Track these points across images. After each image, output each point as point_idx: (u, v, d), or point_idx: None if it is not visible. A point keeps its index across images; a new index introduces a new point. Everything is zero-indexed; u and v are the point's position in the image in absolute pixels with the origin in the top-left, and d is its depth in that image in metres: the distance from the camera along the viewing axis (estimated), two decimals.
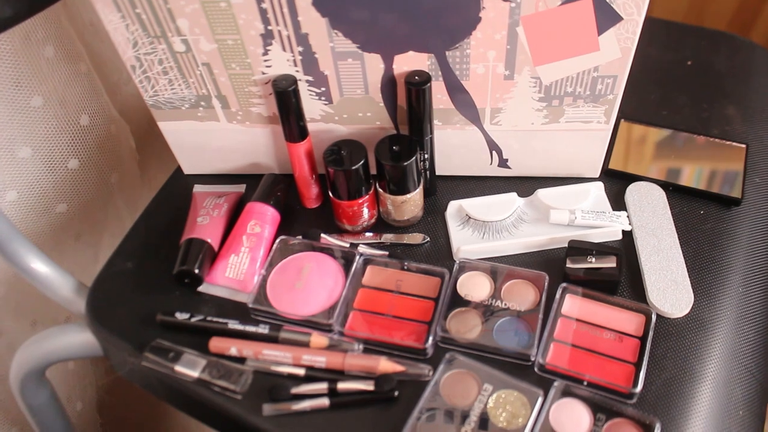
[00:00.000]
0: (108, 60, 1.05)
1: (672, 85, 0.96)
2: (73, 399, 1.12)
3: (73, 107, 0.94)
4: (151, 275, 0.81)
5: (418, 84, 0.72)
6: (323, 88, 0.76)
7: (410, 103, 0.74)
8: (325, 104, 0.78)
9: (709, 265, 0.78)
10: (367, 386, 0.69)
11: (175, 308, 0.76)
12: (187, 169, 0.90)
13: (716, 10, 1.39)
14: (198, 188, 0.88)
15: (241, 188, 0.88)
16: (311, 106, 0.78)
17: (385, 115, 0.79)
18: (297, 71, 0.74)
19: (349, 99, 0.77)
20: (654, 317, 0.72)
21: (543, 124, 0.78)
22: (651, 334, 0.71)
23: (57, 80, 0.91)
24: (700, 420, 0.67)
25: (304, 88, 0.76)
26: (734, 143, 0.87)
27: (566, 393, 0.68)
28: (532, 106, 0.76)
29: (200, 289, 0.79)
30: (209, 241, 0.80)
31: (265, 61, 0.74)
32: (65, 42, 0.91)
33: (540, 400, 0.67)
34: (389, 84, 0.75)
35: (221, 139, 0.84)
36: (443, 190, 0.86)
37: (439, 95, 0.76)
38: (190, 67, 0.75)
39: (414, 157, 0.76)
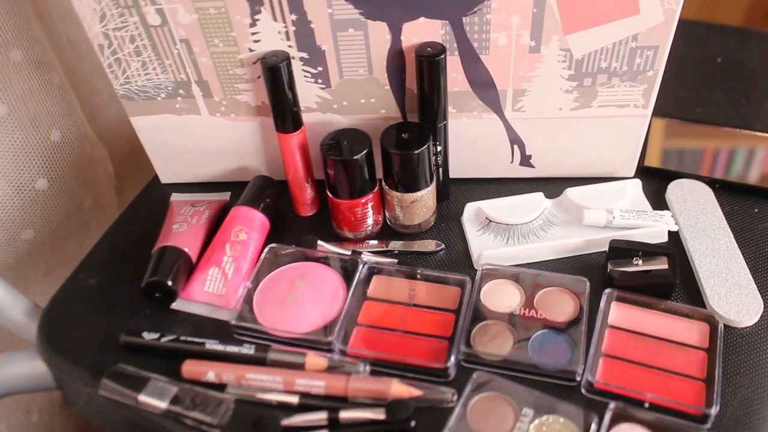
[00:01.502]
0: (87, 79, 0.94)
1: (703, 82, 0.85)
2: (30, 408, 0.95)
3: (42, 120, 0.81)
4: (117, 293, 0.67)
5: (431, 56, 0.61)
6: (320, 68, 0.64)
7: (421, 81, 0.62)
8: (323, 88, 0.66)
9: None
10: (377, 415, 0.54)
11: (144, 329, 0.62)
12: (165, 177, 0.77)
13: (729, 4, 1.31)
14: (176, 197, 0.75)
15: (226, 196, 0.75)
16: (306, 91, 0.66)
17: (391, 101, 0.67)
18: (290, 46, 0.63)
19: (349, 81, 0.65)
20: (721, 325, 0.59)
21: (573, 110, 0.66)
22: (720, 344, 0.57)
23: (24, 89, 0.79)
24: None
25: (298, 69, 0.64)
26: None
27: (625, 417, 0.53)
28: (560, 87, 0.65)
29: (174, 306, 0.65)
30: (186, 250, 0.66)
31: (253, 34, 0.62)
32: (35, 48, 0.79)
33: (594, 427, 0.53)
34: (397, 61, 0.63)
35: (203, 137, 0.71)
36: (457, 195, 0.73)
37: (454, 74, 0.64)
38: (166, 44, 0.63)
39: (426, 146, 0.63)
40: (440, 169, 0.69)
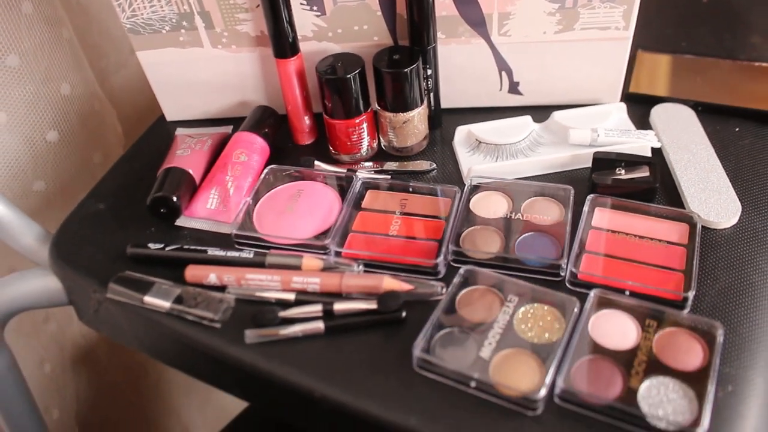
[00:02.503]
0: (96, 44, 0.96)
1: (689, 20, 0.87)
2: (51, 407, 0.97)
3: (53, 74, 0.84)
4: (125, 215, 0.69)
5: None
6: None
7: (410, 3, 0.65)
8: (318, 15, 0.68)
9: (753, 178, 0.66)
10: (369, 305, 0.56)
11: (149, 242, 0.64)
12: (170, 115, 0.80)
13: None
14: (181, 131, 0.77)
15: (228, 129, 0.77)
16: (302, 19, 0.68)
17: (383, 28, 0.69)
18: None
19: (343, 8, 0.67)
20: (699, 222, 0.60)
21: (556, 33, 0.68)
22: (698, 240, 0.59)
23: (35, 41, 0.81)
24: (765, 329, 0.54)
25: None
26: (765, 63, 0.77)
27: (606, 303, 0.55)
28: (543, 9, 0.67)
29: (178, 222, 0.67)
30: (190, 171, 0.68)
31: None
32: (45, 3, 0.83)
33: (576, 311, 0.54)
34: None
35: (206, 71, 0.74)
36: (450, 123, 0.75)
37: None
38: None
39: (415, 65, 0.65)
40: (431, 94, 0.71)
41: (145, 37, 0.71)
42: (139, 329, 0.62)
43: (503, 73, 0.72)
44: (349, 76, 0.65)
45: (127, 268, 0.63)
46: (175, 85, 0.76)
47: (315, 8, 0.68)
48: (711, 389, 0.49)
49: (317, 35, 0.70)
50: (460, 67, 0.72)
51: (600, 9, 0.67)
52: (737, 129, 0.71)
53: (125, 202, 0.70)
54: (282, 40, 0.67)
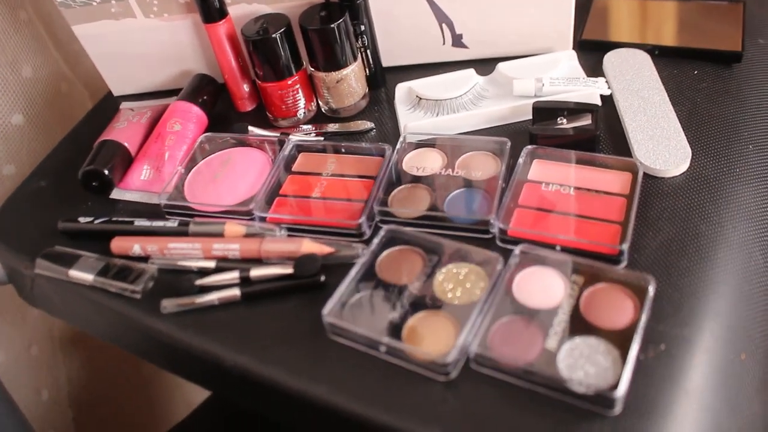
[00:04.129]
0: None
1: None
2: (40, 388, 0.95)
3: (12, 56, 0.81)
4: (64, 192, 0.66)
5: None
6: None
7: None
8: None
9: (708, 121, 0.59)
10: (286, 269, 0.52)
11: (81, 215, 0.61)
12: (116, 90, 0.76)
13: None
14: (126, 105, 0.74)
15: (171, 101, 0.73)
16: None
17: None
18: None
19: None
20: (641, 172, 0.54)
21: None
22: (638, 189, 0.53)
23: None
24: (713, 282, 0.48)
25: None
26: (728, 2, 0.69)
27: (534, 260, 0.49)
28: None
29: (113, 195, 0.64)
30: (125, 144, 0.65)
31: None
32: None
33: (499, 268, 0.49)
34: None
35: (143, 41, 0.70)
36: (393, 82, 0.69)
37: None
38: None
39: (342, 19, 0.60)
40: (368, 52, 0.66)
41: (77, 10, 0.68)
42: (69, 303, 0.59)
43: (444, 25, 0.66)
44: (274, 35, 0.61)
45: (61, 242, 0.60)
46: (116, 58, 0.72)
47: None
48: (635, 349, 0.43)
49: None
50: (399, 22, 0.66)
51: None
52: (696, 72, 0.64)
53: (66, 179, 0.67)
54: (208, 4, 0.63)
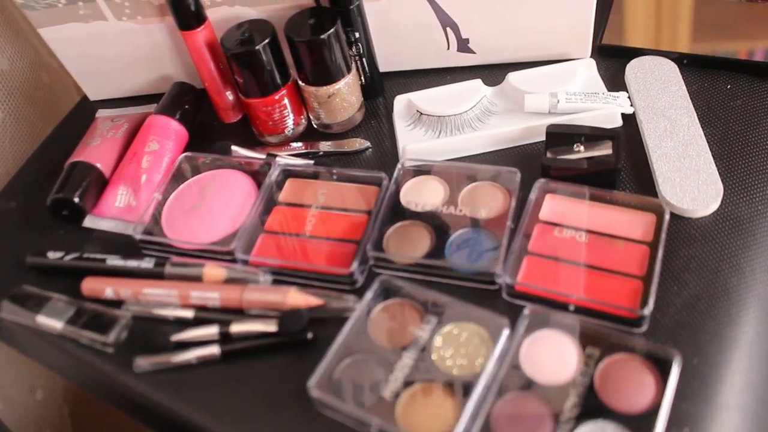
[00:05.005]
0: None
1: None
2: (35, 387, 0.92)
3: None
4: (36, 215, 0.60)
5: None
6: None
7: None
8: None
9: (742, 150, 0.52)
10: (269, 327, 0.47)
11: (56, 248, 0.56)
12: (92, 94, 0.69)
13: None
14: (102, 113, 0.67)
15: (151, 108, 0.66)
16: None
17: None
18: None
19: None
20: (667, 215, 0.47)
21: None
22: (663, 236, 0.46)
23: None
24: (743, 348, 0.42)
25: None
26: None
27: (544, 322, 0.44)
28: None
29: (86, 224, 0.58)
30: (98, 165, 0.59)
31: None
32: None
33: (506, 334, 0.43)
34: None
35: (116, 45, 0.63)
36: (393, 90, 0.62)
37: None
38: None
39: (334, 29, 0.53)
40: (363, 60, 0.58)
41: (42, 12, 0.60)
42: (38, 349, 0.55)
43: (448, 29, 0.59)
44: (258, 47, 0.53)
45: (31, 277, 0.55)
46: (89, 61, 0.65)
47: None
48: None
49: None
50: (399, 25, 0.59)
51: None
52: (729, 86, 0.56)
53: (37, 200, 0.61)
54: (182, 9, 0.55)
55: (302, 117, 0.60)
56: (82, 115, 0.69)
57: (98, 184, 0.58)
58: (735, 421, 0.40)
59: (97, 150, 0.60)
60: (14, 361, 0.84)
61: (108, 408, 1.05)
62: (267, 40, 0.54)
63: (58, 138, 0.68)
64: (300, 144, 0.59)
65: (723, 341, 0.43)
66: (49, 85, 0.83)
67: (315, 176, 0.55)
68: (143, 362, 0.47)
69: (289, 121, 0.59)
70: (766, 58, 0.56)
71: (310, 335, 0.46)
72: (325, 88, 0.56)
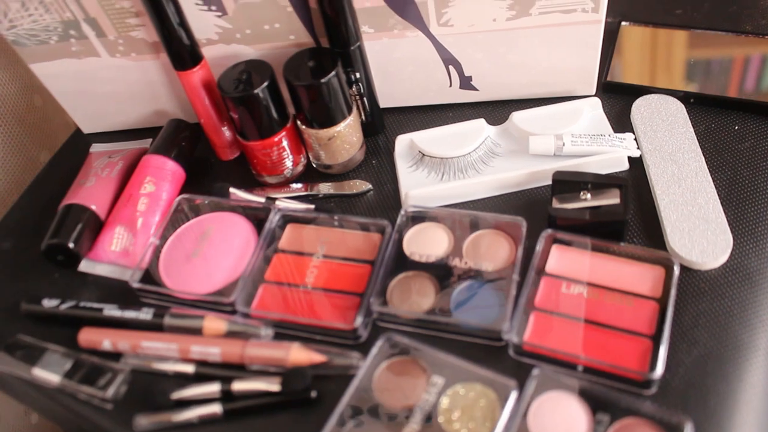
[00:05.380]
0: None
1: None
2: (29, 411, 0.91)
3: None
4: (30, 257, 0.59)
5: None
6: None
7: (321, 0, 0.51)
8: (219, 16, 0.54)
9: (751, 197, 0.51)
10: (272, 386, 0.46)
11: (49, 294, 0.55)
12: (86, 128, 0.68)
13: None
14: (96, 147, 0.66)
15: (146, 144, 0.65)
16: (202, 22, 0.55)
17: (299, 25, 0.55)
18: None
19: (247, 5, 0.53)
20: (677, 269, 0.47)
21: (509, 20, 0.53)
22: (674, 292, 0.46)
23: None
24: (751, 411, 0.42)
25: None
26: None
27: (552, 384, 0.43)
28: None
29: (81, 268, 0.57)
30: (93, 207, 0.58)
31: None
32: None
33: (514, 396, 0.43)
34: None
35: (110, 81, 0.62)
36: (394, 127, 0.62)
37: None
38: None
39: (334, 72, 0.52)
40: (364, 99, 0.57)
41: (33, 48, 0.59)
42: (34, 401, 0.54)
43: (450, 67, 0.58)
44: (256, 91, 0.52)
45: (25, 324, 0.54)
46: (82, 97, 0.64)
47: (214, 8, 0.54)
48: None
49: (224, 37, 0.56)
50: (399, 63, 0.58)
51: None
52: (737, 127, 0.56)
53: (31, 240, 0.60)
54: (178, 50, 0.54)
55: (302, 156, 0.59)
56: (76, 150, 0.68)
57: (93, 226, 0.57)
58: None
59: (91, 191, 0.59)
60: None
61: None
62: (266, 83, 0.52)
63: (48, 176, 0.67)
64: (300, 185, 0.58)
65: (734, 403, 0.42)
66: (42, 107, 0.82)
67: (316, 222, 0.54)
68: (143, 421, 0.47)
69: (288, 162, 0.58)
70: None
71: (314, 394, 0.46)
72: (325, 130, 0.55)
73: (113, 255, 0.56)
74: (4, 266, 0.59)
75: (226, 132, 0.61)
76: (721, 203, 0.50)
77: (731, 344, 0.45)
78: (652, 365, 0.43)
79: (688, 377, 0.44)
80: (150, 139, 0.65)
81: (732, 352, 0.44)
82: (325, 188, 0.58)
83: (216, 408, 0.46)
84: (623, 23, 0.64)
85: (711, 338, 0.45)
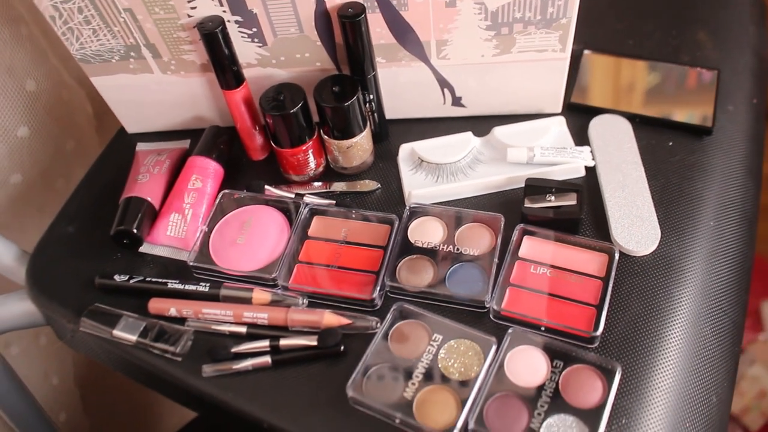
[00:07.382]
0: None
1: (638, 14, 0.87)
2: (50, 374, 1.07)
3: (16, 72, 0.87)
4: (93, 238, 0.75)
5: (352, 17, 0.65)
6: (254, 29, 0.69)
7: (346, 38, 0.67)
8: (260, 47, 0.70)
9: (677, 199, 0.70)
10: (310, 341, 0.63)
11: (116, 271, 0.71)
12: (130, 128, 0.83)
13: None
14: (141, 146, 0.82)
15: (185, 144, 0.81)
16: (245, 49, 0.71)
17: (325, 55, 0.71)
18: (224, 11, 0.67)
19: (284, 39, 0.70)
20: (617, 256, 0.65)
21: (495, 56, 0.71)
22: (613, 273, 0.64)
23: None
24: (668, 359, 0.61)
25: (234, 30, 0.69)
26: (705, 69, 0.79)
27: (522, 340, 0.62)
28: (480, 36, 0.68)
29: (141, 249, 0.73)
30: (149, 199, 0.73)
31: (189, 2, 0.66)
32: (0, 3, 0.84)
33: (494, 349, 0.61)
34: (323, 19, 0.67)
35: (159, 93, 0.77)
36: (396, 134, 0.79)
37: (378, 29, 0.68)
38: (112, 14, 0.68)
39: (355, 97, 0.69)
40: (374, 114, 0.74)
41: (96, 65, 0.74)
42: (112, 356, 0.70)
43: (445, 89, 0.75)
44: (292, 111, 0.69)
45: (97, 295, 0.70)
46: (132, 104, 0.79)
47: (256, 40, 0.70)
48: (602, 426, 0.56)
49: (261, 62, 0.72)
50: (403, 85, 0.74)
51: (536, 35, 0.68)
52: (671, 143, 0.74)
53: (92, 225, 0.76)
54: (226, 75, 0.70)
55: (322, 159, 0.76)
56: (119, 148, 0.84)
57: (150, 215, 0.73)
58: (660, 413, 0.59)
59: (146, 186, 0.74)
60: (30, 351, 0.99)
61: (114, 392, 1.21)
62: (300, 104, 0.69)
63: (100, 170, 0.83)
64: (320, 183, 0.75)
65: (655, 353, 0.61)
66: (68, 101, 0.96)
67: (337, 215, 0.71)
68: (209, 369, 0.63)
69: (312, 164, 0.74)
70: (700, 122, 0.74)
71: (342, 348, 0.63)
72: (345, 141, 0.71)
73: (168, 239, 0.72)
74: (72, 248, 0.75)
75: (258, 137, 0.77)
76: (654, 205, 0.69)
77: (655, 311, 0.63)
78: (596, 326, 0.61)
79: (621, 335, 0.62)
80: (188, 140, 0.81)
81: (655, 316, 0.63)
82: (340, 186, 0.75)
83: (266, 359, 0.63)
84: (585, 51, 0.82)
85: (640, 307, 0.64)
